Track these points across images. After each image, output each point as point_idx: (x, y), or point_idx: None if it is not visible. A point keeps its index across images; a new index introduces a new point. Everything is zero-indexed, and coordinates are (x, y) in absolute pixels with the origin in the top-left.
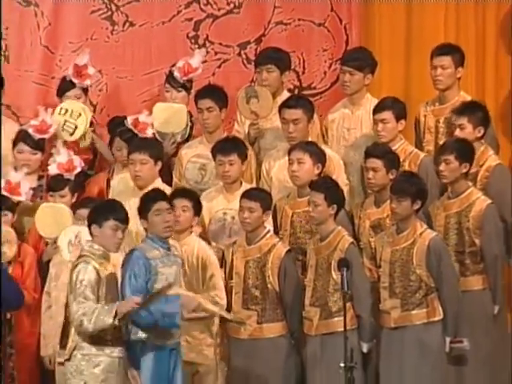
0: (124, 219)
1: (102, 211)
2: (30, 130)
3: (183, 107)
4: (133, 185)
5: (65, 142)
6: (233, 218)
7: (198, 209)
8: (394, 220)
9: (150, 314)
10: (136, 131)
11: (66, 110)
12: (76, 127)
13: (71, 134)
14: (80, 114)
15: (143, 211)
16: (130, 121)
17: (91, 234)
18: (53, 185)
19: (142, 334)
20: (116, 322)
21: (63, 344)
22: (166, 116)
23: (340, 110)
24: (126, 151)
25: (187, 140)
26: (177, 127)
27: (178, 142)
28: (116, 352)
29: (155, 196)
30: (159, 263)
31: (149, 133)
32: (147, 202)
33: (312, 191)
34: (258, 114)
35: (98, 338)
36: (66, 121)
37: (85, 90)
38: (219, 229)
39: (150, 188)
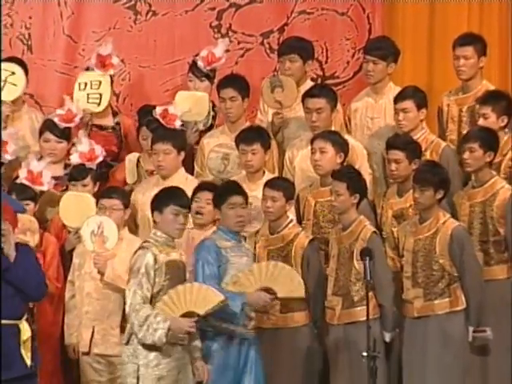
0: (185, 205)
1: (162, 197)
2: (56, 119)
3: (205, 95)
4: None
5: (90, 134)
6: (250, 203)
7: None
8: (417, 210)
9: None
10: (163, 122)
11: (85, 84)
12: (101, 96)
13: (99, 104)
14: (100, 82)
15: (218, 202)
16: (158, 111)
17: (154, 221)
18: (75, 174)
19: (209, 323)
20: (167, 340)
21: (122, 327)
22: (189, 104)
23: (363, 99)
24: (150, 141)
25: (210, 129)
26: (199, 116)
27: (200, 130)
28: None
29: (231, 189)
30: (230, 252)
31: (177, 125)
32: (222, 194)
33: (334, 180)
34: (282, 104)
35: None
36: (88, 94)
37: None
38: None
39: (173, 178)
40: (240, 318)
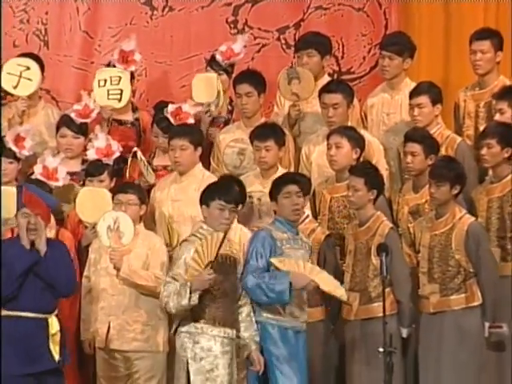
0: (230, 200)
1: (209, 192)
2: (73, 115)
3: (213, 76)
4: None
5: (109, 131)
6: (259, 199)
7: (243, 198)
8: (433, 205)
9: (260, 290)
10: (173, 120)
11: (105, 80)
12: (121, 91)
13: (120, 100)
14: (120, 78)
15: (273, 194)
16: (171, 109)
17: (203, 214)
18: (91, 170)
19: (263, 315)
20: (192, 302)
21: (139, 322)
22: (201, 86)
23: (379, 94)
24: (161, 138)
25: (226, 124)
26: (209, 96)
27: (212, 115)
28: (215, 331)
29: (285, 179)
30: (286, 244)
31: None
32: (277, 185)
33: (352, 176)
34: (299, 96)
35: (197, 316)
36: (108, 90)
37: None
38: (248, 212)
39: (190, 173)
40: (289, 297)
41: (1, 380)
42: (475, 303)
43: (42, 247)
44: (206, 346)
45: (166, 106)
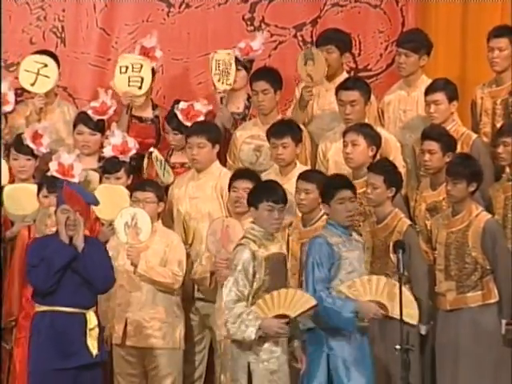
0: (279, 200)
1: (256, 193)
2: (90, 112)
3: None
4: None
5: (129, 125)
6: None
7: None
8: (450, 202)
9: (327, 314)
10: (183, 118)
11: (126, 67)
12: (142, 79)
13: (140, 88)
14: (141, 66)
15: (326, 197)
16: (182, 106)
17: (252, 216)
18: (108, 167)
19: (311, 324)
20: (256, 337)
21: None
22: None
23: (396, 91)
24: (171, 135)
25: (244, 120)
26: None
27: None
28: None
29: (340, 183)
30: (342, 248)
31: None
32: (331, 189)
33: (371, 173)
34: (312, 78)
35: None
36: (129, 77)
37: None
38: None
39: (208, 171)
40: (351, 325)
41: (39, 373)
42: (492, 300)
43: (79, 243)
44: (269, 348)
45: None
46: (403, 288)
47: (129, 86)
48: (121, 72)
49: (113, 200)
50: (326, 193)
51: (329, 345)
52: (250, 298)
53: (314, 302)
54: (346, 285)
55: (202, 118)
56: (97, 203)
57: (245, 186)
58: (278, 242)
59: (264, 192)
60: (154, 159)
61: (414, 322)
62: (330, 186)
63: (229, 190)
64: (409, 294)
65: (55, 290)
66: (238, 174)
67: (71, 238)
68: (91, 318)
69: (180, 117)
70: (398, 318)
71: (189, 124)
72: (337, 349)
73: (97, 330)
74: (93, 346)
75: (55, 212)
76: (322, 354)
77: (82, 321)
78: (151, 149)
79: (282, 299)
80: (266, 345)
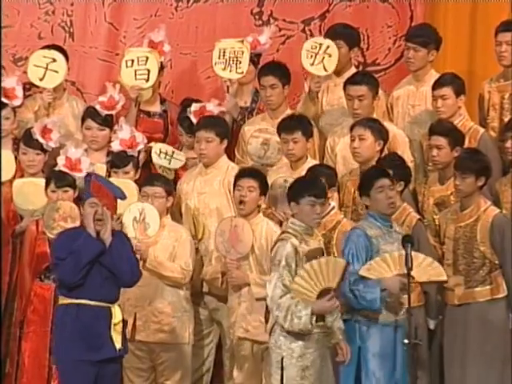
0: (320, 194)
1: (297, 188)
2: (98, 107)
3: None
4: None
5: (137, 120)
6: (285, 180)
7: (264, 188)
8: (458, 197)
9: (354, 297)
10: (196, 120)
11: (132, 61)
12: (149, 71)
13: (147, 80)
14: (147, 58)
15: (365, 188)
16: (194, 108)
17: (292, 211)
18: (116, 161)
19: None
20: (313, 324)
21: (266, 318)
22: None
23: (405, 86)
24: (185, 137)
25: (251, 113)
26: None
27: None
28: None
29: (376, 173)
30: (381, 240)
31: None
32: (369, 180)
33: None
34: (326, 69)
35: None
36: (136, 71)
37: None
38: (279, 194)
39: (215, 166)
40: (380, 304)
41: (68, 363)
42: (500, 295)
43: (107, 237)
44: (303, 343)
45: (191, 105)
46: (416, 254)
47: (136, 79)
48: (127, 66)
49: None
50: (365, 184)
51: (361, 337)
52: None
53: (343, 261)
54: (365, 268)
55: None
56: (124, 197)
57: (249, 184)
58: (317, 237)
59: (305, 187)
60: (157, 153)
61: (444, 277)
62: (368, 177)
63: (233, 189)
64: (423, 256)
65: (82, 284)
66: (243, 173)
67: (98, 232)
68: (116, 313)
69: (193, 119)
70: (428, 280)
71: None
72: (368, 341)
73: (121, 324)
74: (117, 340)
75: (82, 205)
76: (353, 346)
77: (106, 315)
78: (151, 143)
79: (316, 274)
80: (300, 342)
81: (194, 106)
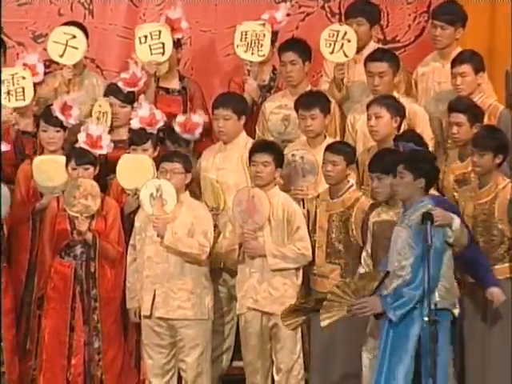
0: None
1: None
2: (120, 84)
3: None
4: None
5: (156, 97)
6: (302, 157)
7: (279, 160)
8: (476, 174)
9: None
10: (181, 130)
11: (145, 37)
12: (163, 44)
13: (162, 54)
14: (160, 32)
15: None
16: (179, 120)
17: None
18: (135, 139)
19: None
20: None
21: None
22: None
23: (430, 63)
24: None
25: (269, 91)
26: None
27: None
28: None
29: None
30: None
31: (196, 134)
32: None
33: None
34: (347, 55)
35: None
36: (150, 46)
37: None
38: (291, 171)
39: (234, 142)
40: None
41: None
42: None
43: None
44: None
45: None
46: None
47: (151, 54)
48: (140, 42)
49: (137, 170)
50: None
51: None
52: None
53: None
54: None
55: (199, 130)
56: None
57: (264, 159)
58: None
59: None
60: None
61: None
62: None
63: (249, 164)
64: None
65: None
66: (257, 147)
67: None
68: None
69: (178, 130)
70: None
71: (188, 136)
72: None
73: None
74: None
75: None
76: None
77: None
78: None
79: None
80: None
81: (179, 118)
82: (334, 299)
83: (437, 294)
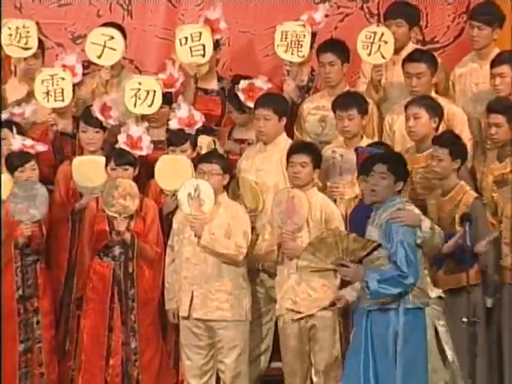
0: None
1: None
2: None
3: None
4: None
5: (195, 98)
6: (341, 155)
7: (317, 161)
8: None
9: None
10: (244, 96)
11: (186, 38)
12: (204, 46)
13: (203, 56)
14: (201, 33)
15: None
16: (242, 85)
17: None
18: (174, 139)
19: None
20: None
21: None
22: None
23: (468, 64)
24: (235, 114)
25: (307, 92)
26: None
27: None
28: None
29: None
30: None
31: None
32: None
33: (436, 146)
34: (384, 57)
35: None
36: (191, 48)
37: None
38: (329, 168)
39: (274, 143)
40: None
41: None
42: None
43: None
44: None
45: (239, 81)
46: None
47: (192, 56)
48: (181, 44)
49: (176, 170)
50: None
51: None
52: None
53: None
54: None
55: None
56: None
57: (302, 160)
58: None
59: None
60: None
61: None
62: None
63: (287, 165)
64: None
65: None
66: (295, 148)
67: None
68: None
69: (241, 96)
70: None
71: (251, 104)
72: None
73: None
74: None
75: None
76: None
77: None
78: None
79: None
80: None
81: (243, 83)
82: (326, 243)
83: (410, 294)
